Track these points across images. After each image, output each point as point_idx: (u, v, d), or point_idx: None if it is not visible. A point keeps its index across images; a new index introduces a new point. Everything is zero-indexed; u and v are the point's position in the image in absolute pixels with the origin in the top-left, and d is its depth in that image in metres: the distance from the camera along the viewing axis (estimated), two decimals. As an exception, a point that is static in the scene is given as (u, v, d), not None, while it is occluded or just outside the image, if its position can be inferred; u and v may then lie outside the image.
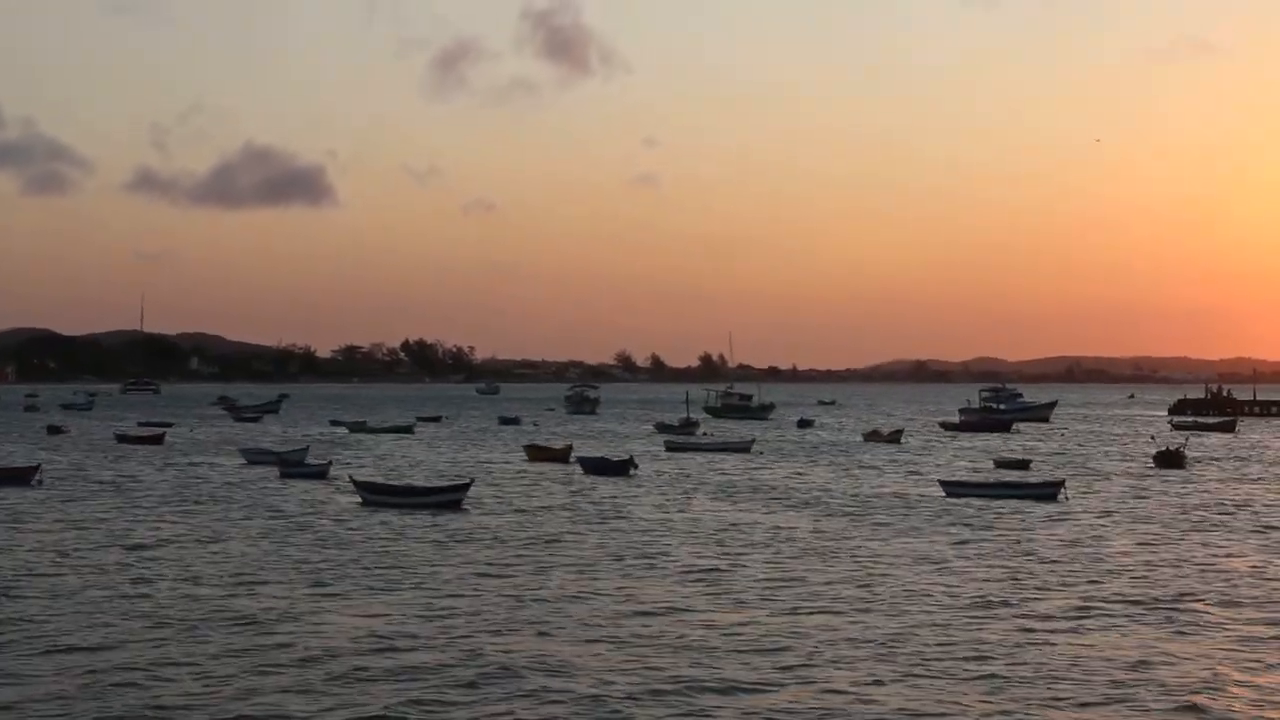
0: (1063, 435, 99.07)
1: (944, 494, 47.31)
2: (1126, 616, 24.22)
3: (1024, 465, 63.44)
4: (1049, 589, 27.19)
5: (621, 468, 57.25)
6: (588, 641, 21.89)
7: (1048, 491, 46.75)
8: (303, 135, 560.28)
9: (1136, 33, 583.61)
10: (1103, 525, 38.81)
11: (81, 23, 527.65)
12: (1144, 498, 47.75)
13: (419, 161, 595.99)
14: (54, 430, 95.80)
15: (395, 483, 48.22)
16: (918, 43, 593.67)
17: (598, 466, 58.03)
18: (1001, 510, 41.82)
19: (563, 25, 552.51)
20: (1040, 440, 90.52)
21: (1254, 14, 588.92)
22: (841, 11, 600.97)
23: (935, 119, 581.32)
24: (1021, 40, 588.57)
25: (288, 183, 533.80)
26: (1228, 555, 32.66)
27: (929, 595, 26.41)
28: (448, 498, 42.94)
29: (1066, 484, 48.41)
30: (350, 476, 48.57)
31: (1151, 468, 63.33)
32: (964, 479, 52.75)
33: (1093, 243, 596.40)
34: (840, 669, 20.04)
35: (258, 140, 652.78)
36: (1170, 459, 64.51)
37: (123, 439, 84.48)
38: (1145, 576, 28.92)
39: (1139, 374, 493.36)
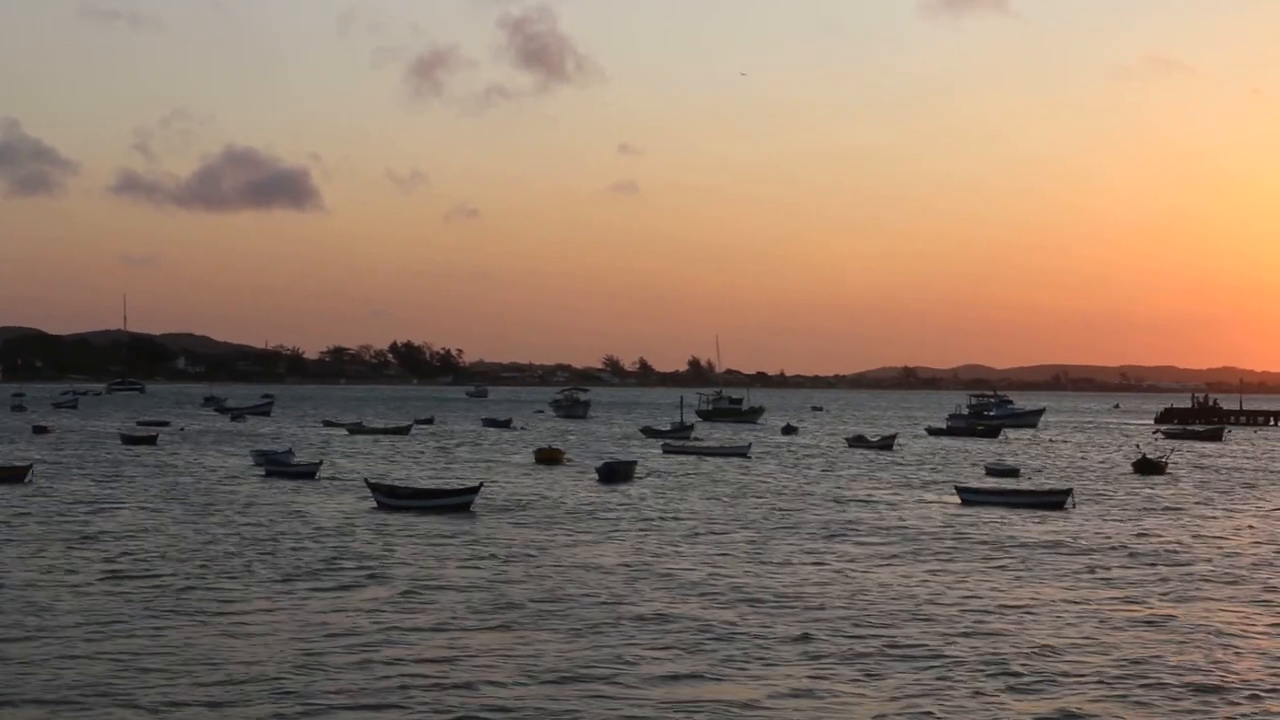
0: (1050, 442, 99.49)
1: (960, 501, 47.67)
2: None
3: (1014, 473, 63.76)
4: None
5: (620, 472, 57.19)
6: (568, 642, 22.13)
7: (1057, 500, 47.13)
8: (284, 140, 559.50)
9: (1110, 49, 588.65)
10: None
11: (64, 26, 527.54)
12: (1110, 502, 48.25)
13: (401, 167, 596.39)
14: (40, 430, 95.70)
15: (408, 485, 48.42)
16: (899, 53, 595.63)
17: (610, 471, 57.82)
18: (1014, 520, 41.81)
19: (539, 33, 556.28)
20: (1029, 446, 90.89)
21: (1216, 32, 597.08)
22: (821, 18, 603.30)
23: (920, 128, 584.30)
24: (1004, 53, 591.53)
25: (272, 186, 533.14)
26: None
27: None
28: (458, 500, 43.41)
29: (1074, 493, 48.68)
30: (366, 479, 48.83)
31: (1129, 474, 63.62)
32: (981, 486, 52.69)
33: (1080, 253, 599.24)
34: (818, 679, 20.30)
35: (240, 144, 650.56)
36: (1148, 466, 64.85)
37: (128, 439, 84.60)
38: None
39: (1125, 383, 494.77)
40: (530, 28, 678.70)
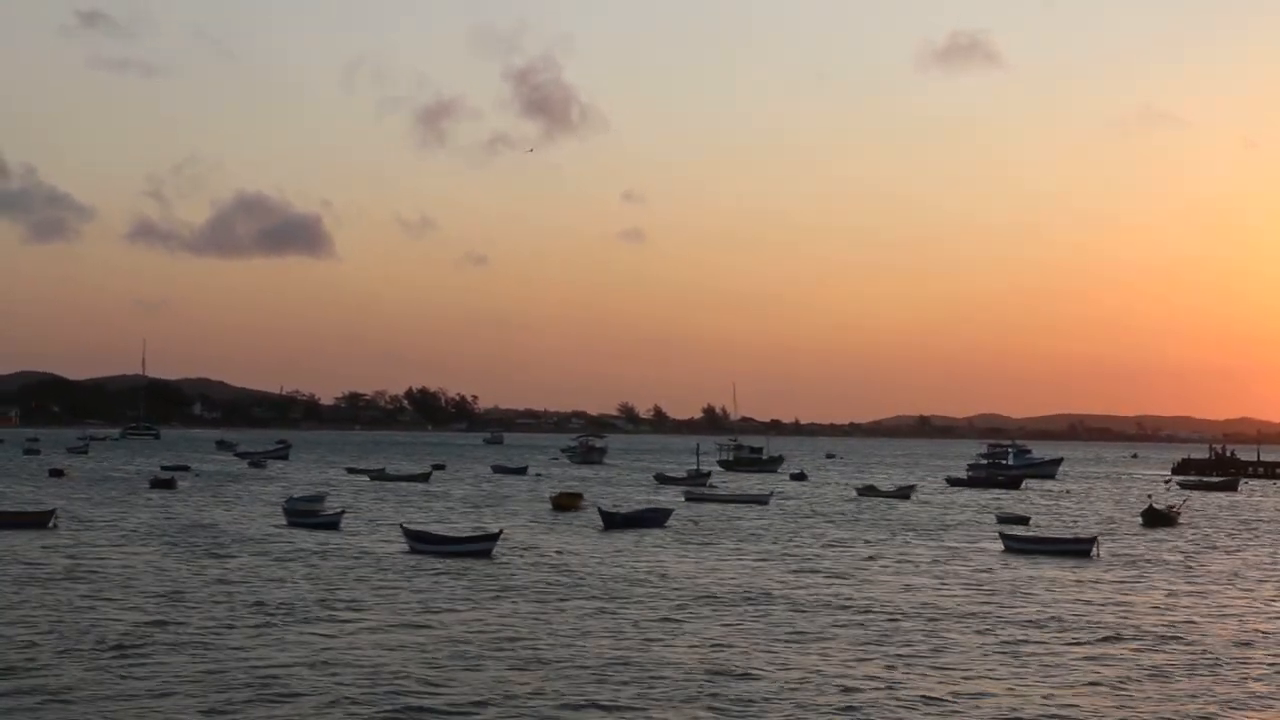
0: (1067, 493, 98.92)
1: (1003, 548, 48.64)
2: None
3: (1024, 521, 63.92)
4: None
5: (621, 520, 57.42)
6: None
7: (1085, 547, 48.23)
8: (295, 187, 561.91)
9: (1104, 101, 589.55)
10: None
11: (78, 75, 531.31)
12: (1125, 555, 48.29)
13: (411, 214, 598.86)
14: (55, 473, 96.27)
15: (436, 532, 50.39)
16: (901, 101, 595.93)
17: (610, 519, 57.93)
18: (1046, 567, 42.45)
19: (543, 83, 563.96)
20: (1054, 497, 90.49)
21: (1210, 86, 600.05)
22: (828, 62, 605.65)
23: (930, 174, 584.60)
24: (1004, 102, 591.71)
25: (284, 232, 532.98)
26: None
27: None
28: (480, 546, 45.24)
29: (1099, 540, 49.47)
30: (401, 524, 51.32)
31: (1140, 526, 63.30)
32: (1024, 534, 53.49)
33: (1097, 301, 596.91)
34: None
35: (251, 191, 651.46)
36: (1158, 518, 64.32)
37: (154, 483, 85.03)
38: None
39: (1142, 433, 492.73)
40: (534, 78, 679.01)
